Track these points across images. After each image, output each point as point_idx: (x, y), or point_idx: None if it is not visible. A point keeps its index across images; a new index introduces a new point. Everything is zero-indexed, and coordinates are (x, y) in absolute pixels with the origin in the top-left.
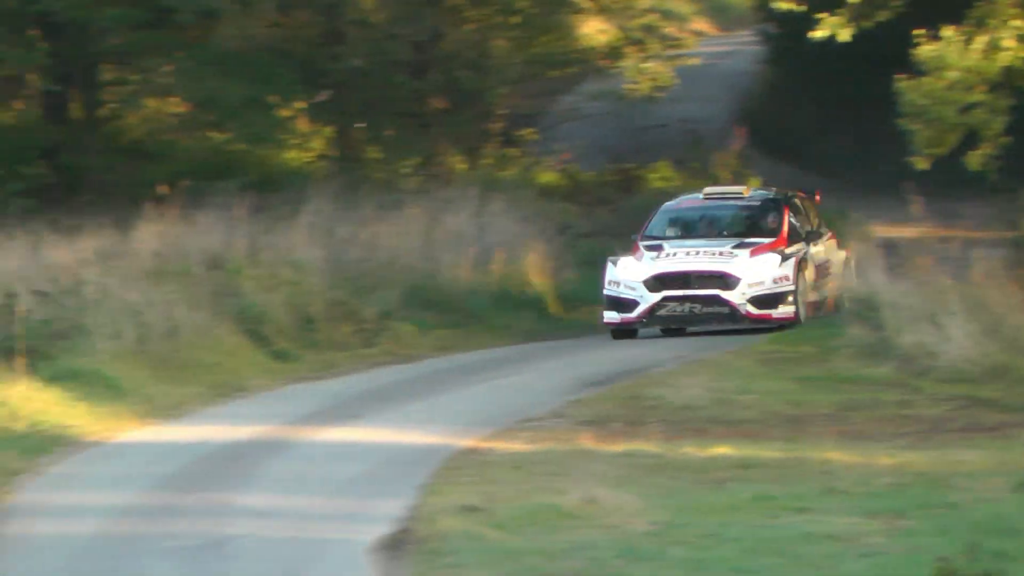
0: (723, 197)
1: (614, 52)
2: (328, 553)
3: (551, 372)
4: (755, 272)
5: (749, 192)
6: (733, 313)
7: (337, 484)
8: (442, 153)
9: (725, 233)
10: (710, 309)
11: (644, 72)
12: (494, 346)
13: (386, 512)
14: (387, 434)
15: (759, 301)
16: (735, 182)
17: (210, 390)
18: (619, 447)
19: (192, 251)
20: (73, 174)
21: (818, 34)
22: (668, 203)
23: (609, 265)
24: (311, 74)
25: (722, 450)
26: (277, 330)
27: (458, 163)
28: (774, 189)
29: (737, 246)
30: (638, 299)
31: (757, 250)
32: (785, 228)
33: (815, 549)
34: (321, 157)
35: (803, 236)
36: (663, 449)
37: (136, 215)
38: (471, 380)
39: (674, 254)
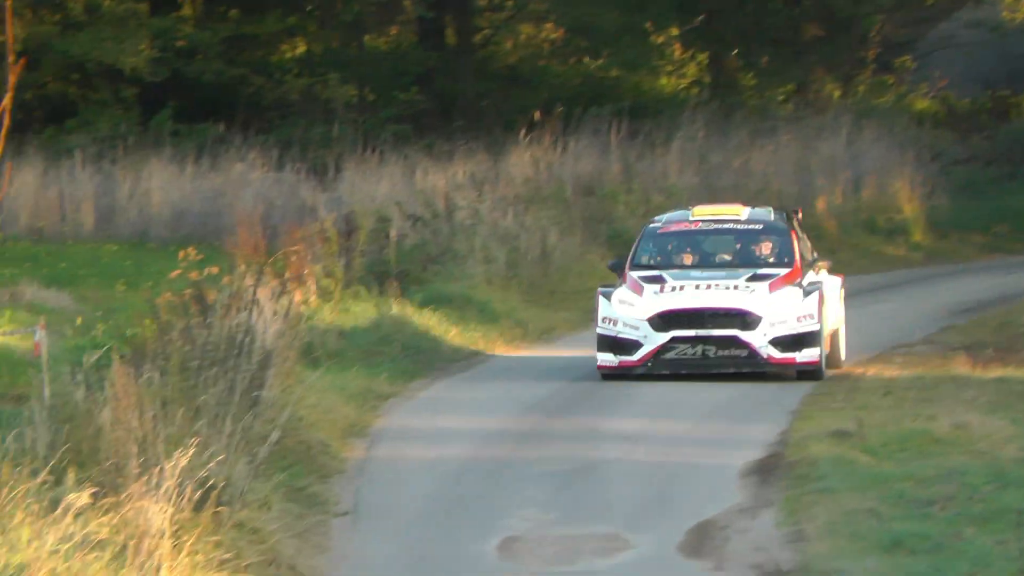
0: (717, 220)
1: None
2: (698, 477)
3: (922, 298)
4: (777, 309)
5: (745, 214)
6: (753, 357)
7: (706, 409)
8: (816, 80)
9: (731, 263)
10: (726, 352)
11: None
12: (865, 272)
13: (756, 437)
14: None
15: (782, 343)
16: None
17: (581, 315)
18: (991, 373)
19: (565, 177)
20: (447, 100)
21: None
22: (652, 226)
23: (601, 299)
24: (686, 0)
25: None
26: None
27: (832, 90)
28: (771, 209)
29: (751, 278)
30: (640, 340)
31: (776, 283)
32: (797, 256)
33: None
34: (694, 84)
35: (810, 264)
36: None
37: (509, 140)
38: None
39: (681, 288)
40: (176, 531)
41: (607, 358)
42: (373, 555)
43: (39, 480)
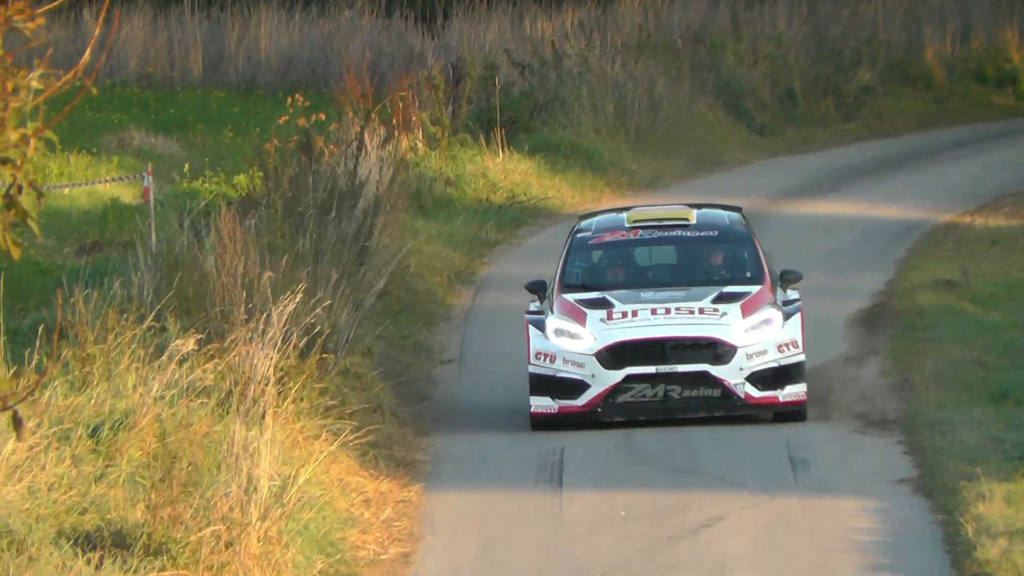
0: (661, 227)
1: None
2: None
3: None
4: (754, 337)
5: (695, 218)
6: (728, 397)
7: (815, 258)
8: None
9: (687, 280)
10: (695, 392)
11: None
12: (973, 122)
13: (864, 286)
14: (865, 208)
15: (762, 379)
16: None
17: (689, 163)
18: None
19: (673, 25)
20: None
21: None
22: (580, 235)
23: (532, 330)
24: None
25: None
26: (757, 105)
27: None
28: (720, 208)
29: (718, 299)
30: (586, 379)
31: (749, 304)
32: (766, 269)
33: None
34: None
35: (779, 277)
36: None
37: None
38: (950, 155)
39: (633, 313)
40: (281, 378)
41: (543, 403)
42: (478, 403)
43: (145, 326)
